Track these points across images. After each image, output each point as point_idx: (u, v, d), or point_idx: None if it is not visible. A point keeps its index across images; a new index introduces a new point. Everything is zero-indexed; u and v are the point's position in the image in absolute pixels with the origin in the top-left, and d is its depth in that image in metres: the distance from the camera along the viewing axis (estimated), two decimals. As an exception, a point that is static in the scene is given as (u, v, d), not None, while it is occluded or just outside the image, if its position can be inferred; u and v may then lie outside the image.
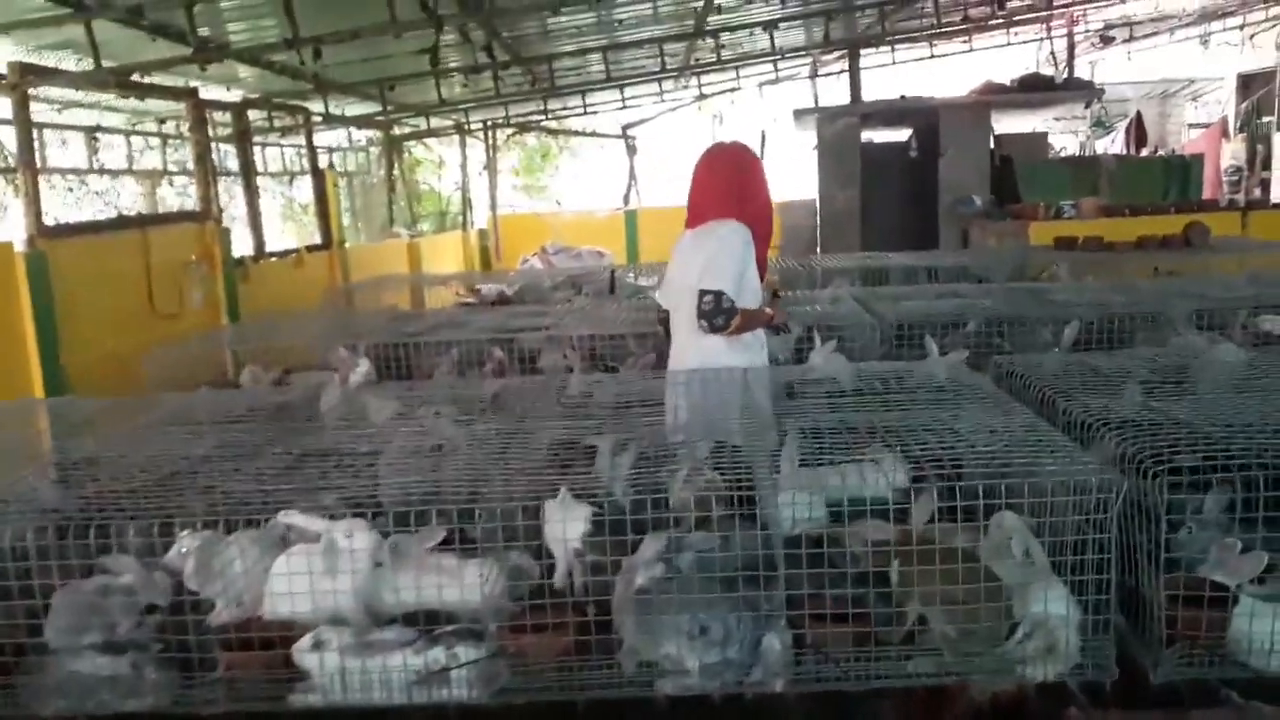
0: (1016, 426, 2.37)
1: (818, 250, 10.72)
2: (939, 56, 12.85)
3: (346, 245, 8.82)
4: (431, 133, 11.77)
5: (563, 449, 2.59)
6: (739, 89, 12.74)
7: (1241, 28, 12.24)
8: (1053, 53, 12.41)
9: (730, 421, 2.65)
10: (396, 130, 10.81)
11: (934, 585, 1.98)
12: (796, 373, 3.29)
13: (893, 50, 12.26)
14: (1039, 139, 12.02)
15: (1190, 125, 16.35)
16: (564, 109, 12.15)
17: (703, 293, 3.02)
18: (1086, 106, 12.44)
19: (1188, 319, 4.02)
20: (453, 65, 7.64)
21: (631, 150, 13.31)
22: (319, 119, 8.40)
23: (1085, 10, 11.51)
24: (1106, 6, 11.17)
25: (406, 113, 9.85)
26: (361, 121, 9.82)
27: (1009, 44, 12.91)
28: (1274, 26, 11.87)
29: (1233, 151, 12.98)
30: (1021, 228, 8.62)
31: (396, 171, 10.83)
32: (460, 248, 11.64)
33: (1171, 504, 1.93)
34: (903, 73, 13.34)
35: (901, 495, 2.24)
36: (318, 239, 8.18)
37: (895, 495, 2.27)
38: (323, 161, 9.77)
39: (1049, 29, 11.74)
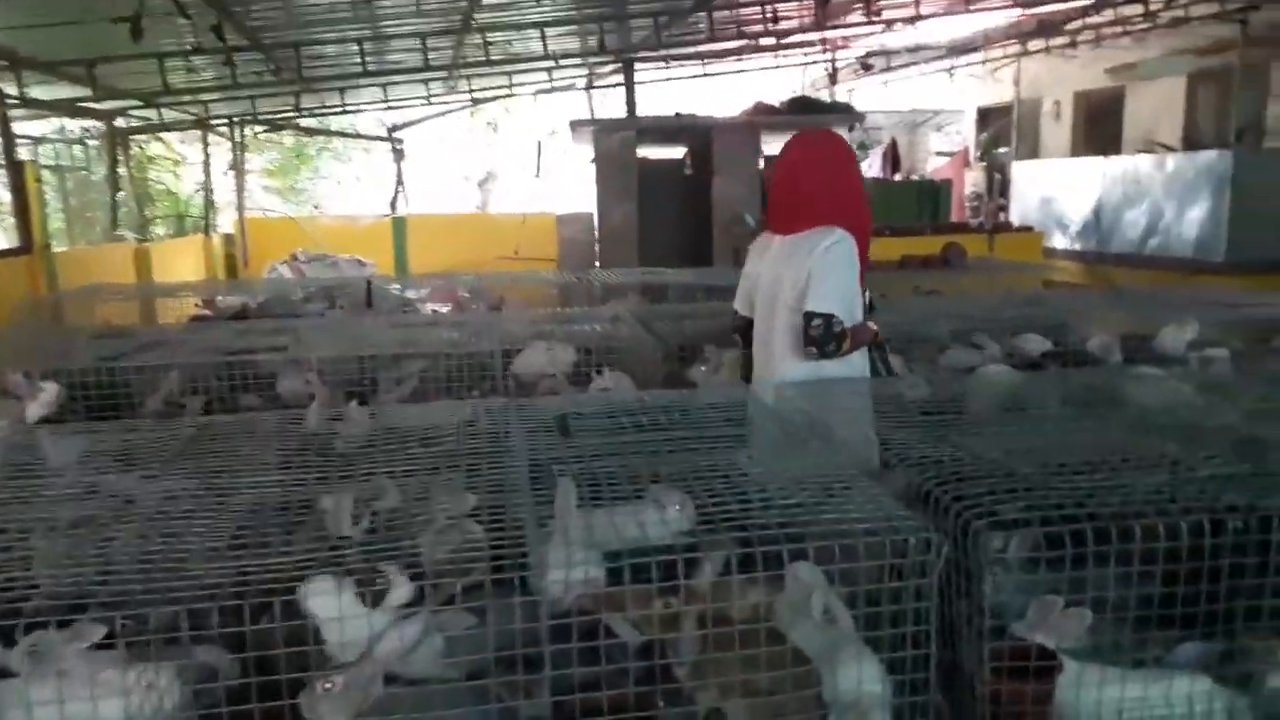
0: (812, 468, 2.08)
1: (596, 265, 10.50)
2: (712, 75, 13.00)
3: (55, 249, 7.61)
4: (165, 126, 10.52)
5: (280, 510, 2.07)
6: (513, 95, 12.32)
7: (984, 63, 13.21)
8: (826, 75, 12.86)
9: (822, 440, 2.31)
10: (121, 122, 9.50)
11: (733, 672, 1.64)
12: (570, 404, 2.89)
13: (668, 65, 12.26)
14: (806, 160, 12.38)
15: (937, 153, 17.62)
16: (322, 107, 11.23)
17: (810, 315, 2.65)
18: (850, 130, 12.99)
19: (951, 339, 4.04)
20: (169, 46, 6.64)
21: (399, 154, 12.55)
22: (14, 102, 7.13)
23: (849, 38, 12.00)
24: (869, 35, 11.67)
25: (126, 100, 8.59)
26: (69, 108, 8.45)
27: (778, 66, 13.27)
28: (1013, 63, 12.90)
29: (973, 179, 14.03)
30: (792, 245, 8.74)
31: (122, 169, 9.54)
32: (201, 254, 10.47)
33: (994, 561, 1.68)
34: (678, 89, 13.44)
35: (688, 544, 1.89)
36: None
37: (680, 543, 1.91)
38: (28, 154, 8.42)
39: (825, 49, 12.14)
